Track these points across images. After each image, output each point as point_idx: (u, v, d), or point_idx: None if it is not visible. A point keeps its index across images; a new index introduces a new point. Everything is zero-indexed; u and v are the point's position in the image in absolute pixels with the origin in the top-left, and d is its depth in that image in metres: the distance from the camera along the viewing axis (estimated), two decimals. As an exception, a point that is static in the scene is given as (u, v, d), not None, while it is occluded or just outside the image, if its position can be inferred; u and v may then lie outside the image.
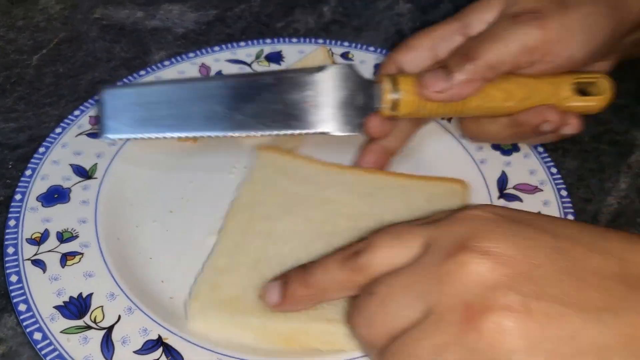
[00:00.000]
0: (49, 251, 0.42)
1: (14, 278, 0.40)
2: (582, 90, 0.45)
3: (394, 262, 0.31)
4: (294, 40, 0.60)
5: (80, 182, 0.47)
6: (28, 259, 0.41)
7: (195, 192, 0.48)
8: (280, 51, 0.59)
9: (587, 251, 0.28)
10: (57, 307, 0.39)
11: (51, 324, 0.38)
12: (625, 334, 0.25)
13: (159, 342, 0.38)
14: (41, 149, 0.49)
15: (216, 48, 0.59)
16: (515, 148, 0.50)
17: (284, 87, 0.44)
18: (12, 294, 0.40)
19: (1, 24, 0.65)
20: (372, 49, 0.59)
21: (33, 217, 0.44)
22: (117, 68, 0.60)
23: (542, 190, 0.47)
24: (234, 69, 0.57)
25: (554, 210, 0.46)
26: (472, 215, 0.30)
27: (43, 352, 0.37)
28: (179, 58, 0.57)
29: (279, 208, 0.44)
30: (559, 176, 0.48)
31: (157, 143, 0.51)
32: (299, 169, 0.48)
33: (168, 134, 0.44)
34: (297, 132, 0.44)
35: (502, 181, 0.48)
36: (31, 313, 0.38)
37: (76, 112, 0.52)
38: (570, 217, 0.46)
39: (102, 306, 0.39)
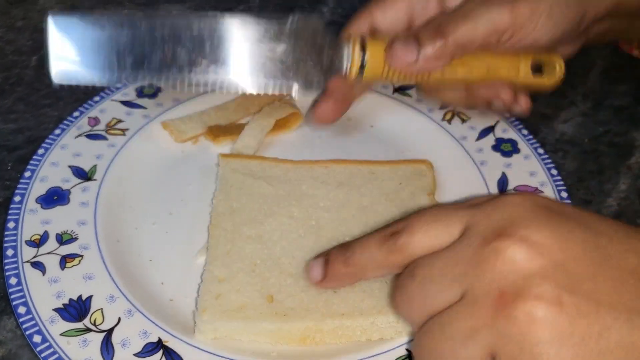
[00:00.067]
0: (49, 253, 0.42)
1: (13, 280, 0.40)
2: (537, 68, 0.46)
3: (432, 245, 0.32)
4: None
5: (79, 183, 0.47)
6: (27, 261, 0.41)
7: (194, 194, 0.48)
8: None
9: (624, 250, 0.28)
10: (56, 310, 0.39)
11: (51, 326, 0.38)
12: None
13: (159, 345, 0.38)
14: (40, 151, 0.49)
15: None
16: (515, 150, 0.51)
17: (249, 36, 0.41)
18: (12, 297, 0.39)
19: (0, 25, 0.65)
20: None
21: (32, 219, 0.44)
22: (116, 69, 0.60)
23: (542, 192, 0.47)
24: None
25: (554, 212, 0.46)
26: (513, 202, 0.30)
27: (43, 354, 0.37)
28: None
29: (260, 211, 0.45)
30: (559, 178, 0.48)
31: (157, 143, 0.51)
32: (267, 170, 0.48)
33: (124, 81, 0.40)
34: (260, 91, 0.42)
35: (503, 182, 0.48)
36: (31, 315, 0.38)
37: (75, 114, 0.52)
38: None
39: (101, 308, 0.39)
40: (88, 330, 0.38)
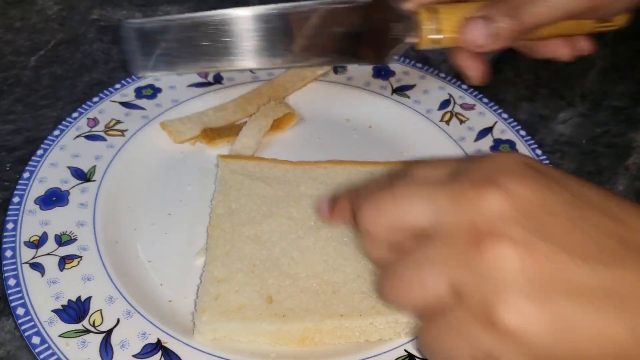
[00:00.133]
0: (48, 254, 0.42)
1: (12, 281, 0.40)
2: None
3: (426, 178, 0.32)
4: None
5: (78, 184, 0.47)
6: (26, 262, 0.41)
7: (193, 195, 0.48)
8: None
9: (601, 214, 0.29)
10: (55, 311, 0.39)
11: (49, 327, 0.38)
12: (609, 286, 0.26)
13: (158, 346, 0.38)
14: (39, 151, 0.49)
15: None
16: (513, 150, 0.51)
17: (316, 20, 0.46)
18: (10, 298, 0.39)
19: (-2, 25, 0.65)
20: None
21: (31, 220, 0.44)
22: (115, 70, 0.60)
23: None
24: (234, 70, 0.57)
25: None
26: (505, 157, 0.31)
27: (41, 356, 0.37)
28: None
29: (259, 212, 0.45)
30: (557, 179, 0.48)
31: (156, 143, 0.51)
32: (266, 171, 0.48)
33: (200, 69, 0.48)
34: (334, 65, 0.48)
35: (501, 184, 0.48)
36: (29, 317, 0.38)
37: (74, 114, 0.52)
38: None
39: (100, 310, 0.39)
40: (87, 331, 0.38)
